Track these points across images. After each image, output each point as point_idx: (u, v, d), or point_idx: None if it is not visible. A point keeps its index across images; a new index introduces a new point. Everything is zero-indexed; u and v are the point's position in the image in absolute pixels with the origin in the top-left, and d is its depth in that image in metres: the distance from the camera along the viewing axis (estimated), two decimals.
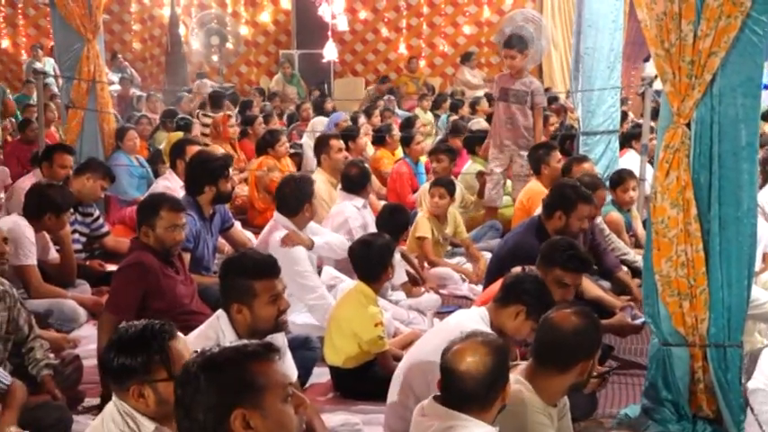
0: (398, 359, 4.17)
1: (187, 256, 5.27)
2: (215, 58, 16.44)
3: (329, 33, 11.18)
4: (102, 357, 2.64)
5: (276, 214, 5.37)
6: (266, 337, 3.36)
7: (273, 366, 2.07)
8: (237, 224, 6.51)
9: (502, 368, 2.82)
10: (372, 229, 5.85)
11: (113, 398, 2.63)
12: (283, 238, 5.14)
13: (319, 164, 7.15)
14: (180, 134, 9.34)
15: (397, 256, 5.72)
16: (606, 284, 5.64)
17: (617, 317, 4.74)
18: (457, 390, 2.79)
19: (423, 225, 6.39)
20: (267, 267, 3.39)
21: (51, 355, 4.27)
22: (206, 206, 5.56)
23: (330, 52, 10.12)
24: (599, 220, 6.26)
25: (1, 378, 3.46)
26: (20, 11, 17.81)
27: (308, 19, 13.20)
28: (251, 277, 3.33)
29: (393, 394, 3.80)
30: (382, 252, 4.56)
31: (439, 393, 2.88)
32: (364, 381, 4.39)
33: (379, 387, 4.10)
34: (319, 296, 5.09)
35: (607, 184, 6.86)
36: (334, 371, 4.51)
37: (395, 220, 5.83)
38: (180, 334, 2.65)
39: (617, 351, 4.92)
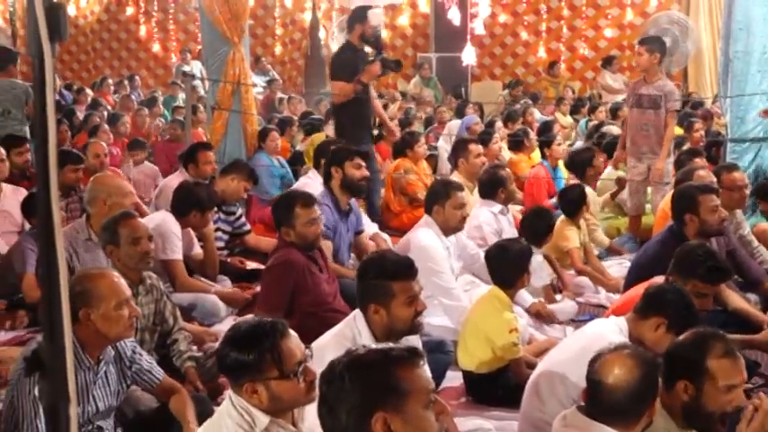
0: (532, 366, 4.13)
1: (329, 245, 5.43)
2: None
3: (468, 37, 11.16)
4: (218, 353, 2.70)
5: (425, 216, 5.40)
6: (401, 339, 3.39)
7: (418, 371, 2.08)
8: (374, 226, 6.58)
9: (651, 383, 2.73)
10: (508, 235, 5.79)
11: (229, 392, 2.68)
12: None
13: (456, 167, 7.14)
14: (322, 135, 9.53)
15: (539, 258, 5.68)
16: (753, 297, 5.40)
17: (764, 333, 4.53)
18: (602, 401, 2.73)
19: (571, 235, 6.26)
20: (405, 268, 3.41)
21: (194, 348, 4.43)
22: (341, 197, 5.67)
23: (469, 56, 10.10)
24: (746, 231, 6.01)
25: (155, 373, 3.60)
26: (171, 16, 18.59)
27: (446, 22, 13.22)
28: (389, 278, 3.34)
29: (526, 402, 3.76)
30: (519, 258, 4.51)
31: (583, 404, 2.83)
32: (497, 386, 4.35)
33: (512, 394, 4.07)
34: (455, 297, 5.07)
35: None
36: (467, 375, 4.48)
37: (539, 224, 5.77)
38: (292, 331, 2.67)
39: (763, 368, 4.70)
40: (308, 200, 4.81)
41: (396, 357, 2.08)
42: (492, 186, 6.25)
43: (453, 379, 4.56)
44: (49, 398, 1.18)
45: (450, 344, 4.56)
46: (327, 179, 5.76)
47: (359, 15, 7.62)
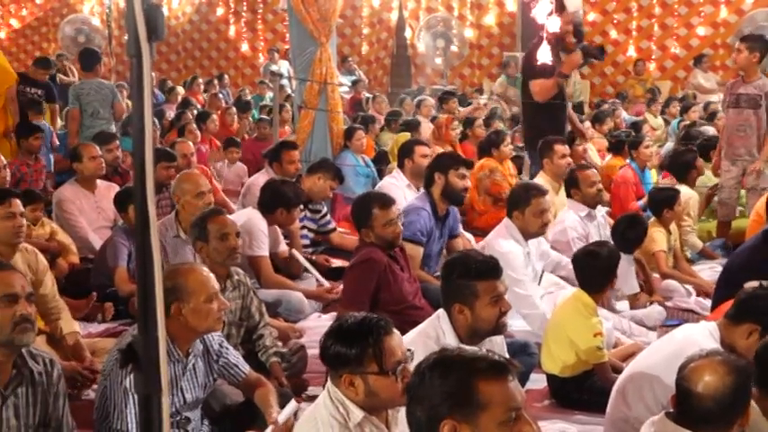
0: (618, 371, 4.06)
1: (420, 251, 5.45)
2: (438, 60, 16.66)
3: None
4: (321, 343, 2.74)
5: (506, 219, 5.35)
6: (485, 340, 3.38)
7: (503, 386, 2.01)
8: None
9: (743, 390, 2.66)
10: (596, 239, 5.64)
11: (327, 383, 2.72)
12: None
13: (542, 168, 7.05)
14: (407, 135, 9.55)
15: (630, 267, 5.55)
16: None
17: None
18: (692, 408, 2.67)
19: (658, 238, 6.12)
20: (489, 268, 3.38)
21: (279, 343, 4.49)
22: (439, 203, 5.65)
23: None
24: None
25: (241, 367, 3.67)
26: (259, 16, 18.88)
27: (533, 21, 13.11)
28: (473, 278, 3.33)
29: (612, 406, 3.70)
30: (608, 262, 4.44)
31: (672, 410, 2.78)
32: (582, 390, 4.29)
33: (597, 398, 4.02)
34: (531, 305, 4.97)
35: None
36: (551, 378, 4.44)
37: (631, 232, 5.62)
38: (396, 331, 2.71)
39: None
40: (385, 201, 4.84)
41: (481, 368, 2.03)
42: (567, 186, 6.16)
43: (537, 381, 4.51)
44: (142, 389, 1.21)
45: (533, 346, 4.52)
46: (429, 184, 5.71)
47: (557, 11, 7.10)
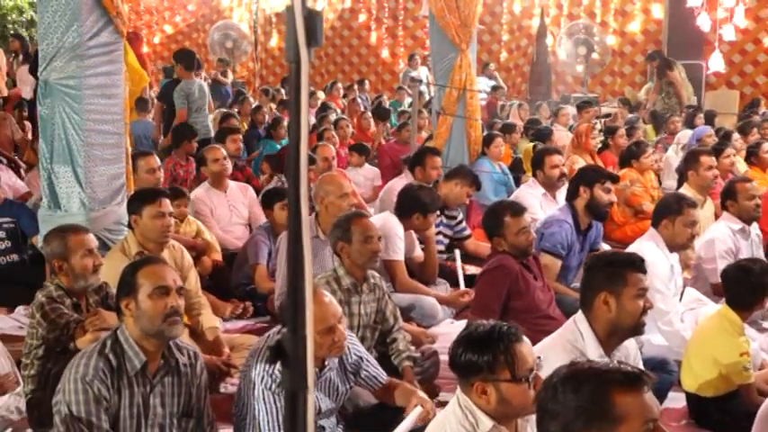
0: (765, 394, 3.89)
1: (557, 263, 5.42)
2: (579, 68, 16.36)
3: (716, 44, 10.65)
4: (451, 351, 2.74)
5: (651, 228, 5.19)
6: (618, 346, 3.30)
7: (637, 398, 1.97)
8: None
9: None
10: (747, 256, 5.39)
11: (457, 391, 2.72)
12: None
13: (686, 179, 6.82)
14: (538, 143, 9.45)
15: None
16: None
17: None
18: None
19: None
20: (638, 260, 3.37)
21: (412, 348, 4.51)
22: (582, 216, 5.60)
23: (716, 63, 9.54)
24: None
25: (380, 378, 3.71)
26: (400, 23, 19.07)
27: (682, 28, 12.68)
28: (622, 267, 3.30)
29: (757, 431, 3.54)
30: (761, 280, 4.24)
31: None
32: (724, 412, 4.13)
33: (739, 421, 3.85)
34: (669, 323, 4.77)
35: None
36: (691, 397, 4.29)
37: None
38: (525, 338, 2.69)
39: None
40: (516, 209, 4.83)
41: (615, 380, 1.99)
42: (724, 198, 5.93)
43: (676, 400, 4.39)
44: (289, 385, 1.24)
45: (673, 363, 4.38)
46: (573, 196, 5.66)
47: None
